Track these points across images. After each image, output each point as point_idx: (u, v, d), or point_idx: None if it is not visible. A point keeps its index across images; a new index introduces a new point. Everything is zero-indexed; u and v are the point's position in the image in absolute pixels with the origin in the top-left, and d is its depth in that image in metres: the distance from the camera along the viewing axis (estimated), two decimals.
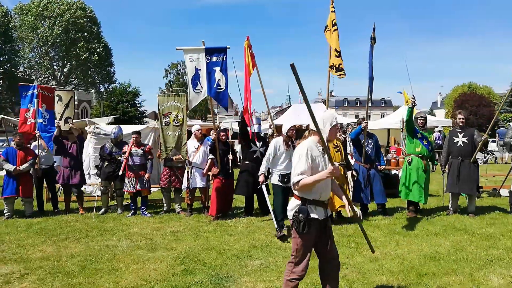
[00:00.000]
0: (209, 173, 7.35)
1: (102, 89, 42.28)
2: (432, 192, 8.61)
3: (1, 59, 36.06)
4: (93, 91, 44.49)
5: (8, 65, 36.37)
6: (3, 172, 7.56)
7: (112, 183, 7.77)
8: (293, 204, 3.16)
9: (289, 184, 5.40)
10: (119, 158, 7.53)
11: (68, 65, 39.54)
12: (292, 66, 2.68)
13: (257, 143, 7.19)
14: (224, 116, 27.80)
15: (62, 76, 39.71)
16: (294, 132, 6.32)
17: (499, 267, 4.36)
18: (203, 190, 7.67)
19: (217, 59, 7.06)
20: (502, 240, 5.38)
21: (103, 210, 7.68)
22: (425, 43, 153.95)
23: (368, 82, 6.83)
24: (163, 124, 7.63)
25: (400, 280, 4.04)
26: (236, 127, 15.40)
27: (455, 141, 6.98)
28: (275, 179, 6.02)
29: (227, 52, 7.10)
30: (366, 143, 6.96)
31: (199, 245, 5.45)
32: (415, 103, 6.50)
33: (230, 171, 7.35)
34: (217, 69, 7.03)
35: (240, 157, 9.37)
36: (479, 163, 7.44)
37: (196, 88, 7.17)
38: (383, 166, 7.49)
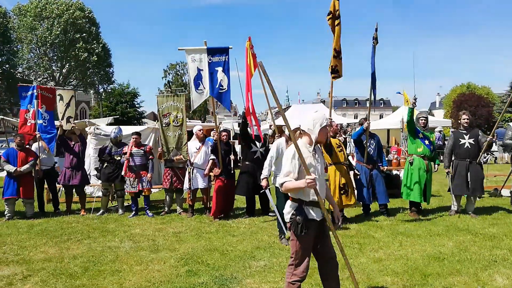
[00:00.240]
0: (211, 173, 7.34)
1: (101, 90, 42.24)
2: (433, 192, 8.59)
3: (0, 60, 35.97)
4: (92, 91, 44.45)
5: (7, 65, 36.23)
6: (4, 173, 7.52)
7: (113, 184, 7.75)
8: (289, 206, 3.16)
9: None
10: (119, 158, 7.51)
11: (67, 66, 39.52)
12: (260, 64, 2.84)
13: (257, 143, 7.17)
14: (223, 117, 27.77)
15: (61, 76, 39.67)
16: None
17: (504, 267, 4.36)
18: (204, 191, 7.64)
19: (219, 59, 7.05)
20: (506, 240, 5.38)
21: (101, 211, 7.65)
22: (425, 43, 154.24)
23: (371, 86, 6.78)
24: (164, 125, 7.61)
25: (405, 280, 4.03)
26: (236, 127, 15.37)
27: (461, 142, 6.87)
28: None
29: (229, 52, 7.09)
30: (368, 144, 6.94)
31: (202, 246, 5.43)
32: (415, 104, 6.48)
33: (232, 172, 7.33)
34: (219, 69, 7.02)
35: (240, 157, 9.35)
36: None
37: (199, 88, 7.15)
38: (386, 167, 7.49)
